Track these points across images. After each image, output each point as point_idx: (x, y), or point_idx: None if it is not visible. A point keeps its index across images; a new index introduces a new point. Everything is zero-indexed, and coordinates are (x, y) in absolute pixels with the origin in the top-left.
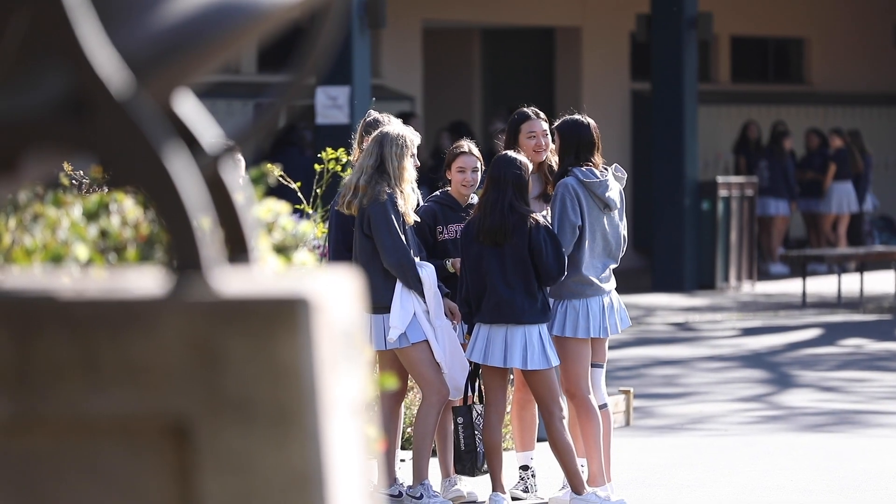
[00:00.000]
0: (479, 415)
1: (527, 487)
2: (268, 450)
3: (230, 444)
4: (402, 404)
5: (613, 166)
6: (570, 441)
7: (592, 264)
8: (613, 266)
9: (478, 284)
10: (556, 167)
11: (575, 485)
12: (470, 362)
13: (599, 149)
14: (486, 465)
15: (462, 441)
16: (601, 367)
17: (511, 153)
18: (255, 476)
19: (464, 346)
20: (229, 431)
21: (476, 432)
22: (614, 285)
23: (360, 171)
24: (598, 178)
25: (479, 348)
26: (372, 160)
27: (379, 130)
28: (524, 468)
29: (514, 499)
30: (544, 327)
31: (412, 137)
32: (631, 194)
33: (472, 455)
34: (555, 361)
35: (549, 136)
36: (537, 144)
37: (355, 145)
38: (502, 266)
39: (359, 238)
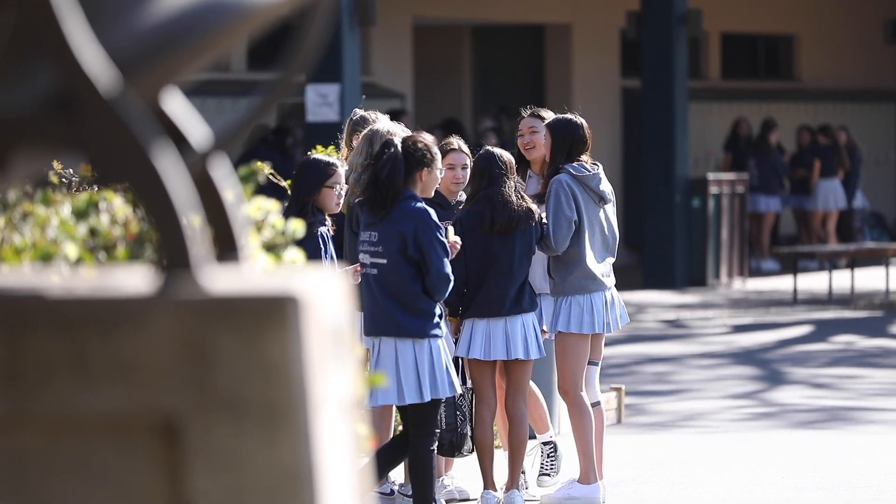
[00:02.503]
0: (462, 395)
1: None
2: (258, 447)
3: (220, 441)
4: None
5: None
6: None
7: (594, 258)
8: (611, 260)
9: (478, 274)
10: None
11: (515, 479)
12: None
13: (589, 147)
14: (466, 447)
15: (443, 419)
16: (596, 364)
17: (493, 149)
18: (246, 473)
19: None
20: (219, 429)
21: (458, 412)
22: (614, 281)
23: (349, 169)
24: (589, 171)
25: (477, 344)
26: (361, 158)
27: (369, 128)
28: None
29: None
30: (534, 316)
31: (402, 135)
32: (622, 191)
33: (453, 434)
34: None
35: (540, 133)
36: (523, 141)
37: (343, 144)
38: (511, 253)
39: (348, 236)
